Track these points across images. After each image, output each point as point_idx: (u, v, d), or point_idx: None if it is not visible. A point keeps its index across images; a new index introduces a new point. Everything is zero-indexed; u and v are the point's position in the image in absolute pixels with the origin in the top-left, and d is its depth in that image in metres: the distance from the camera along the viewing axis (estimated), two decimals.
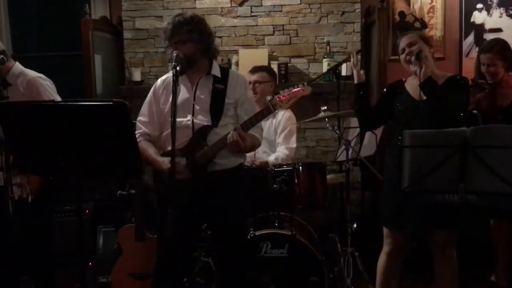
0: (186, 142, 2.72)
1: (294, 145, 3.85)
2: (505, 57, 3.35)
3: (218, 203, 2.73)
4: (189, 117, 2.73)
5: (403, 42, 2.91)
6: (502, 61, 3.34)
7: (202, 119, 2.73)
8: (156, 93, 2.85)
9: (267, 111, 2.73)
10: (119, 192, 3.62)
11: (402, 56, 2.91)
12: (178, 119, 2.62)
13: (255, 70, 3.90)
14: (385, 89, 3.11)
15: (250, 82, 3.82)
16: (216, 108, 2.74)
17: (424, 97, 2.83)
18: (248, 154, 3.83)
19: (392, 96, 2.99)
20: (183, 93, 2.78)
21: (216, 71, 2.80)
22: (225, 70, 2.87)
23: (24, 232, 3.03)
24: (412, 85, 2.93)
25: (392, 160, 2.89)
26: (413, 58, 2.80)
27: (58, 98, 3.11)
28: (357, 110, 3.14)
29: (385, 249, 2.98)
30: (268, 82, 3.82)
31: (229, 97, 2.77)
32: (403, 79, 3.04)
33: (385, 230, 2.97)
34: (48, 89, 3.11)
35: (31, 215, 3.03)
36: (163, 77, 2.89)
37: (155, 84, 2.90)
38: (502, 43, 3.42)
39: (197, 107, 2.74)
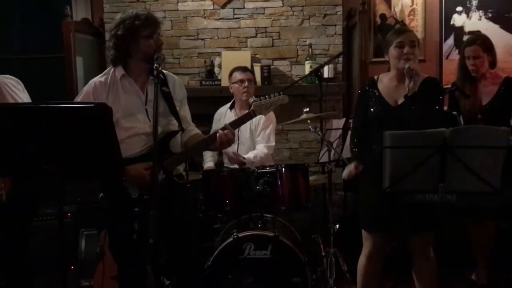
0: (146, 150, 2.61)
1: (273, 143, 3.89)
2: (488, 49, 3.40)
3: (175, 208, 2.70)
4: (145, 123, 2.62)
5: (404, 37, 2.79)
6: (486, 54, 3.39)
7: (165, 124, 2.65)
8: (97, 97, 2.62)
9: (250, 116, 2.76)
10: (101, 195, 3.60)
11: (396, 51, 2.79)
12: (130, 125, 2.60)
13: (246, 69, 3.94)
14: (360, 96, 3.02)
15: (243, 80, 3.84)
16: (174, 112, 2.68)
17: (399, 102, 2.81)
18: (228, 152, 3.88)
19: (366, 99, 2.93)
20: (131, 97, 2.65)
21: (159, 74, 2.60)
22: (162, 72, 2.69)
23: (2, 236, 2.99)
24: (386, 87, 2.89)
25: (369, 163, 2.90)
26: (406, 66, 2.72)
27: (23, 96, 3.03)
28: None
29: (365, 251, 2.99)
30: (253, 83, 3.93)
31: (175, 100, 2.72)
32: (375, 77, 2.98)
33: (364, 233, 2.97)
34: (11, 87, 3.00)
35: (7, 219, 2.99)
36: (101, 79, 2.68)
37: (92, 87, 2.66)
38: (483, 36, 3.52)
39: (150, 111, 2.57)
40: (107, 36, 4.77)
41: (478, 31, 4.81)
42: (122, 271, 2.80)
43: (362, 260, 3.01)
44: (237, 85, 3.87)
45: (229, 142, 2.66)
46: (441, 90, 2.90)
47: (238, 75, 3.89)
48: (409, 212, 2.72)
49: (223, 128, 2.65)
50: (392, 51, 2.83)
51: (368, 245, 2.96)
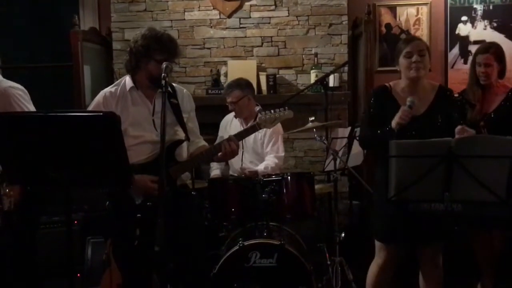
0: (151, 158, 2.68)
1: (283, 154, 3.89)
2: (500, 59, 3.41)
3: (181, 216, 2.73)
4: (152, 132, 2.68)
5: (412, 47, 2.81)
6: (497, 63, 3.40)
7: (171, 134, 2.69)
8: (107, 107, 2.68)
9: (254, 128, 2.81)
10: (108, 202, 3.62)
11: (406, 60, 2.81)
12: (137, 134, 2.65)
13: (227, 91, 3.90)
14: (372, 102, 2.97)
15: (229, 103, 3.86)
16: (182, 123, 2.75)
17: (421, 112, 2.81)
18: (235, 164, 3.90)
19: (381, 108, 2.90)
20: (139, 108, 2.73)
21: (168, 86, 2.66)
22: (171, 85, 2.78)
23: (10, 243, 3.01)
24: (401, 97, 2.87)
25: (383, 173, 2.90)
26: (408, 100, 2.72)
27: (30, 107, 3.06)
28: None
29: (378, 261, 2.96)
30: (243, 98, 3.80)
31: (183, 111, 2.78)
32: (388, 85, 2.96)
33: (378, 243, 2.95)
34: (20, 98, 3.02)
35: (16, 226, 3.01)
36: (111, 89, 2.76)
37: (102, 97, 2.74)
38: (497, 45, 3.50)
39: (157, 122, 2.65)
40: (114, 45, 4.83)
41: (483, 41, 4.84)
42: (126, 279, 2.81)
43: (374, 270, 2.99)
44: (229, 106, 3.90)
45: (233, 153, 2.71)
46: (454, 98, 2.94)
47: (226, 98, 3.89)
48: (421, 223, 2.71)
49: (228, 139, 2.70)
50: (402, 61, 2.85)
51: (382, 256, 2.94)
